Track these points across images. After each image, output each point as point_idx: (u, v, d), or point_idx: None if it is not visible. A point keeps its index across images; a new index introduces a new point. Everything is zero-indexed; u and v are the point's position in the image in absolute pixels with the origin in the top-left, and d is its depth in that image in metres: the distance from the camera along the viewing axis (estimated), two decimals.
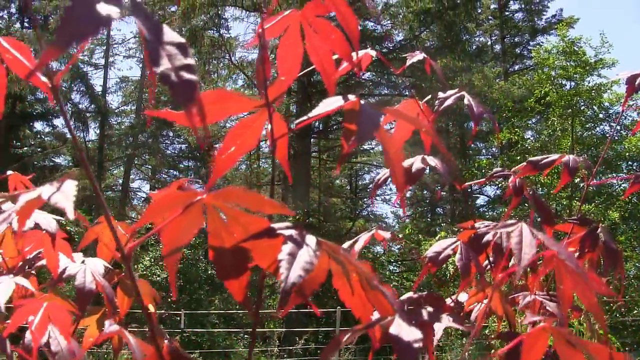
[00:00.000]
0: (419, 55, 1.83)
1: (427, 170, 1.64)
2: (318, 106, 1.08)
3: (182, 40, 0.80)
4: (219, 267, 1.01)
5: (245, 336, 21.79)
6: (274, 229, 0.93)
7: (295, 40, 1.20)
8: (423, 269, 1.56)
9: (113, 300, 1.59)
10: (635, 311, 19.78)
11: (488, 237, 1.53)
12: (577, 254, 1.70)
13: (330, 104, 1.07)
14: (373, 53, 1.76)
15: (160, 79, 0.70)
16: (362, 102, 1.05)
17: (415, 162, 1.64)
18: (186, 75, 0.73)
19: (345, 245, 1.70)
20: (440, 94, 1.72)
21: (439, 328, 1.40)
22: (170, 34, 0.81)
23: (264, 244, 0.91)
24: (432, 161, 1.64)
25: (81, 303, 1.51)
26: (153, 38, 0.77)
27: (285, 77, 1.21)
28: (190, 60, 0.76)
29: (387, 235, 1.65)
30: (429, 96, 1.78)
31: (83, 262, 1.68)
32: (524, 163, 1.75)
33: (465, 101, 1.67)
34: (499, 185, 27.97)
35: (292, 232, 0.91)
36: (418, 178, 1.61)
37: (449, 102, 1.67)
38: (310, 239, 0.90)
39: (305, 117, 1.13)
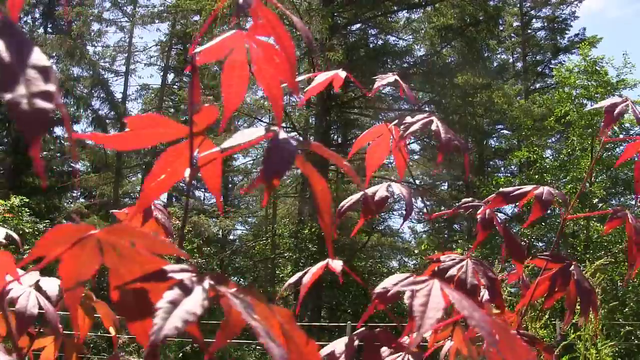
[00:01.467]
0: (389, 78, 1.76)
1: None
2: (234, 136, 1.00)
3: (47, 63, 0.73)
4: (122, 307, 0.93)
5: (258, 347, 21.71)
6: (166, 271, 0.85)
7: (241, 64, 1.12)
8: (370, 305, 1.48)
9: (56, 326, 1.52)
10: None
11: (452, 271, 1.45)
12: (547, 293, 1.62)
13: (249, 135, 0.99)
14: (343, 74, 1.69)
15: (8, 107, 0.63)
16: (282, 135, 0.96)
17: (379, 190, 1.56)
18: (40, 103, 0.65)
19: (295, 277, 1.62)
20: (408, 118, 1.64)
21: None
22: (37, 56, 0.73)
23: (160, 286, 0.83)
24: (398, 189, 1.56)
25: (20, 328, 1.44)
26: (14, 60, 0.70)
27: (230, 102, 1.14)
28: (51, 87, 0.68)
29: (338, 267, 1.57)
30: (397, 120, 1.71)
31: (38, 281, 1.62)
32: (494, 194, 1.66)
33: (433, 127, 1.59)
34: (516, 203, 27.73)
35: (186, 276, 0.83)
36: (381, 207, 1.53)
37: (415, 127, 1.59)
38: (206, 284, 0.82)
39: (218, 149, 1.05)
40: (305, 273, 1.63)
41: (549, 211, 24.71)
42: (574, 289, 1.60)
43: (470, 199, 1.72)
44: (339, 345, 1.58)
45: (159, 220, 1.87)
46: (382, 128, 1.72)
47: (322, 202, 1.03)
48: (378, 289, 1.41)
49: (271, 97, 1.12)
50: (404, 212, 1.56)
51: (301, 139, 1.00)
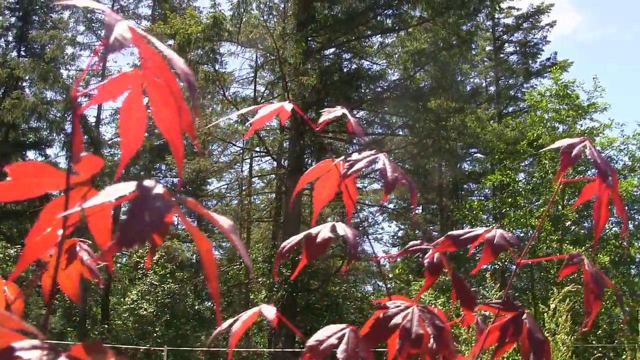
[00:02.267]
0: (337, 111, 1.70)
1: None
2: (101, 193, 0.90)
3: None
4: None
5: None
6: (14, 348, 0.77)
7: (138, 106, 1.04)
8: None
9: None
10: (623, 356, 19.61)
11: (397, 319, 1.39)
12: (497, 344, 1.56)
13: (115, 191, 0.90)
14: (289, 107, 1.64)
15: None
16: (155, 190, 0.89)
17: (322, 231, 1.51)
18: None
19: (225, 324, 1.55)
20: (355, 155, 1.59)
21: None
22: None
23: None
24: (342, 230, 1.50)
25: None
26: None
27: (128, 147, 1.05)
28: None
29: (271, 314, 1.51)
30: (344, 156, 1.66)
31: None
32: (443, 237, 1.61)
33: (379, 165, 1.54)
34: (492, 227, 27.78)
35: (35, 355, 0.75)
36: (325, 249, 1.47)
37: (360, 165, 1.54)
38: None
39: (78, 208, 0.96)
40: (236, 320, 1.57)
41: (530, 233, 24.78)
42: (527, 342, 1.54)
43: (418, 241, 1.66)
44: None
45: (84, 262, 1.80)
46: (328, 164, 1.66)
47: (207, 264, 0.97)
48: (311, 340, 1.35)
49: (170, 142, 1.04)
50: (377, 237, 1.52)
51: (180, 196, 0.92)
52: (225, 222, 0.96)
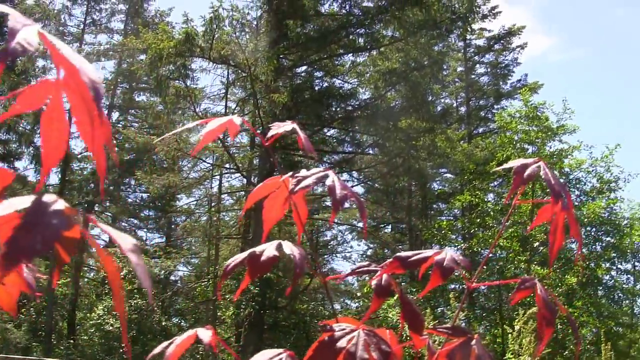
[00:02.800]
0: (287, 126, 1.68)
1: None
2: None
3: None
4: None
5: None
6: None
7: (59, 115, 1.00)
8: None
9: None
10: None
11: (342, 343, 1.36)
12: None
13: (10, 205, 0.86)
14: (238, 120, 1.61)
15: None
16: (54, 206, 0.85)
17: (267, 249, 1.48)
18: None
19: (159, 348, 1.53)
20: (303, 172, 1.56)
21: None
22: None
23: None
24: (289, 249, 1.48)
25: None
26: None
27: (49, 158, 1.01)
28: None
29: (206, 338, 1.49)
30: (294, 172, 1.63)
31: None
32: (391, 259, 1.58)
33: (328, 182, 1.51)
34: (459, 246, 27.98)
35: None
36: (268, 267, 1.44)
37: (308, 182, 1.51)
38: None
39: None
40: (171, 343, 1.55)
41: (500, 254, 24.89)
42: None
43: (366, 262, 1.63)
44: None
45: (20, 274, 1.75)
46: (277, 181, 1.63)
47: (114, 286, 0.94)
48: None
49: (94, 154, 1.00)
50: (346, 256, 1.50)
51: (80, 212, 0.89)
52: (125, 241, 0.93)
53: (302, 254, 1.46)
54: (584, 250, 25.80)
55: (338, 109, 25.68)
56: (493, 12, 34.73)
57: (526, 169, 1.63)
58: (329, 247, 36.02)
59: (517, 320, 6.71)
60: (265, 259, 1.46)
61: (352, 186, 30.20)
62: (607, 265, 26.14)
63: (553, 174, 1.65)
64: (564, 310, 1.71)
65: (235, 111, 28.49)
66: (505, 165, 1.71)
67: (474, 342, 1.52)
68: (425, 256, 1.55)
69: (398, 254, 1.56)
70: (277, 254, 1.47)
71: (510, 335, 6.79)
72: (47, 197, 0.85)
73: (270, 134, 1.67)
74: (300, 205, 1.64)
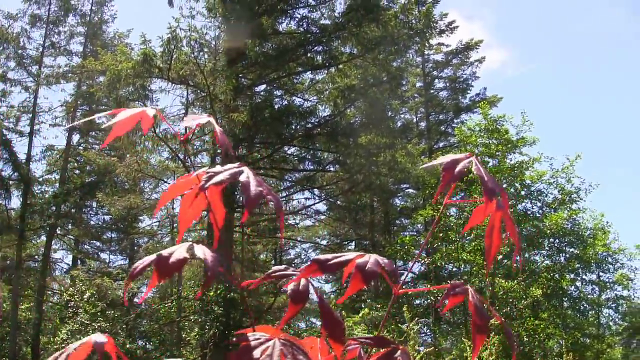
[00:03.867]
0: (202, 119, 1.63)
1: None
2: None
3: None
4: None
5: None
6: None
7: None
8: None
9: None
10: None
11: (256, 353, 1.31)
12: None
13: None
14: (152, 112, 1.56)
15: None
16: None
17: (177, 251, 1.42)
18: None
19: (50, 358, 1.46)
20: (217, 167, 1.51)
21: None
22: None
23: None
24: (200, 251, 1.43)
25: None
26: None
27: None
28: None
29: (101, 342, 1.43)
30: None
31: None
32: (310, 262, 1.52)
33: (242, 178, 1.46)
34: (423, 262, 27.98)
35: None
36: (178, 269, 1.38)
37: (221, 177, 1.46)
38: None
39: None
40: (62, 354, 1.48)
41: (464, 268, 24.90)
42: None
43: (283, 266, 1.57)
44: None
45: None
46: (192, 179, 1.57)
47: None
48: None
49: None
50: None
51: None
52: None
53: (214, 258, 1.41)
54: (547, 262, 25.93)
55: (298, 127, 25.62)
56: (450, 27, 34.98)
57: (457, 164, 1.57)
58: (293, 264, 35.87)
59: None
60: (175, 261, 1.40)
61: (314, 203, 30.22)
62: (572, 276, 26.26)
63: (486, 170, 1.59)
64: (498, 317, 1.67)
65: (196, 131, 28.35)
66: (435, 162, 1.66)
67: (398, 352, 1.47)
68: (346, 259, 1.49)
69: (316, 256, 1.50)
70: (187, 255, 1.41)
71: (468, 347, 6.77)
72: None
73: (185, 124, 1.62)
74: (216, 205, 1.59)
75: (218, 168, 1.50)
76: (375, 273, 1.46)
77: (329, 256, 1.50)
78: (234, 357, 1.32)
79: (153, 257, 1.45)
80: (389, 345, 1.49)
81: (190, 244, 1.47)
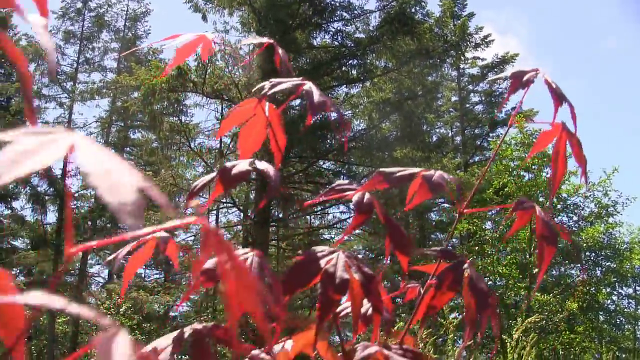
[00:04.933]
0: (261, 39, 1.60)
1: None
2: None
3: None
4: None
5: None
6: None
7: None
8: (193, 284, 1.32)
9: None
10: None
11: (321, 263, 1.26)
12: (433, 295, 1.43)
13: None
14: (211, 36, 1.54)
15: None
16: None
17: (240, 164, 1.39)
18: None
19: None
20: (278, 79, 1.48)
21: None
22: None
23: None
24: (263, 165, 1.39)
25: None
26: None
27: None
28: None
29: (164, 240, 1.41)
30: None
31: None
32: (375, 173, 1.49)
33: (306, 87, 1.43)
34: None
35: None
36: (240, 180, 1.35)
37: (284, 86, 1.43)
38: None
39: None
40: (121, 251, 1.46)
41: (499, 282, 24.74)
42: (469, 295, 1.41)
43: (347, 180, 1.56)
44: (164, 340, 1.42)
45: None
46: (252, 103, 1.54)
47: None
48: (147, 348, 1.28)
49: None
50: None
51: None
52: None
53: (276, 173, 1.37)
54: (584, 275, 25.69)
55: (333, 141, 25.60)
56: (485, 40, 34.88)
57: (525, 74, 1.57)
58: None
59: (515, 328, 6.60)
60: (237, 172, 1.37)
61: (349, 217, 30.14)
62: (608, 290, 25.98)
63: (554, 82, 1.58)
64: (565, 234, 1.61)
65: (230, 146, 28.46)
66: (501, 75, 1.66)
67: (466, 265, 1.43)
68: (411, 172, 1.47)
69: (382, 168, 1.47)
70: (250, 168, 1.38)
71: (508, 344, 6.67)
72: None
73: (245, 42, 1.60)
74: (277, 129, 1.56)
75: (280, 79, 1.48)
76: (442, 185, 1.43)
77: (394, 169, 1.47)
78: (298, 266, 1.27)
79: (214, 174, 1.42)
80: (456, 258, 1.45)
81: (253, 159, 1.44)
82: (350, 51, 24.46)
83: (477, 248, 24.84)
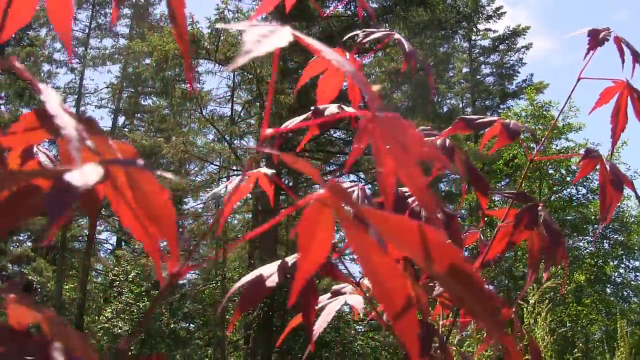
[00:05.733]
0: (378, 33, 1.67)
1: None
2: None
3: None
4: None
5: None
6: None
7: None
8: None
9: None
10: None
11: (409, 201, 1.36)
12: (511, 233, 1.53)
13: None
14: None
15: None
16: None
17: (330, 107, 1.47)
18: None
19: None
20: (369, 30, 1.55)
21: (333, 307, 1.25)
22: None
23: None
24: (349, 109, 1.47)
25: None
26: None
27: None
28: None
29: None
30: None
31: None
32: (457, 119, 1.58)
33: (396, 36, 1.51)
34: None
35: None
36: (332, 122, 1.45)
37: (376, 36, 1.51)
38: None
39: None
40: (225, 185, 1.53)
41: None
42: (537, 239, 1.51)
43: (429, 127, 1.64)
44: (268, 268, 1.50)
45: (42, 164, 1.79)
46: (337, 53, 1.59)
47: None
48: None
49: None
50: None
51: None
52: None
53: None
54: (591, 248, 25.78)
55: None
56: (497, 12, 34.68)
57: (599, 33, 1.64)
58: (337, 249, 35.89)
59: (532, 294, 6.71)
60: (329, 115, 1.45)
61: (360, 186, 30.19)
62: (616, 262, 26.05)
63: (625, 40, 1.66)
64: (629, 184, 1.69)
65: (242, 114, 28.47)
66: (575, 32, 1.73)
67: (540, 207, 1.51)
68: (490, 120, 1.56)
69: (464, 115, 1.55)
70: (339, 111, 1.46)
71: (525, 309, 6.78)
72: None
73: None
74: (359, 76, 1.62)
75: (372, 29, 1.56)
76: (518, 131, 1.52)
77: (474, 117, 1.55)
78: (397, 199, 1.37)
79: (304, 116, 1.50)
80: (531, 200, 1.53)
81: (340, 104, 1.52)
82: (363, 21, 24.44)
83: (486, 219, 24.90)
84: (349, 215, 0.69)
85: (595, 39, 1.63)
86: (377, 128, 0.73)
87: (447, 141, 1.54)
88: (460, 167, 1.54)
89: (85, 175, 0.62)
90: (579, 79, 1.78)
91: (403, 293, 0.68)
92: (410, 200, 1.36)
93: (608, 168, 1.57)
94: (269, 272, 1.48)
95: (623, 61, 1.61)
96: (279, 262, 1.49)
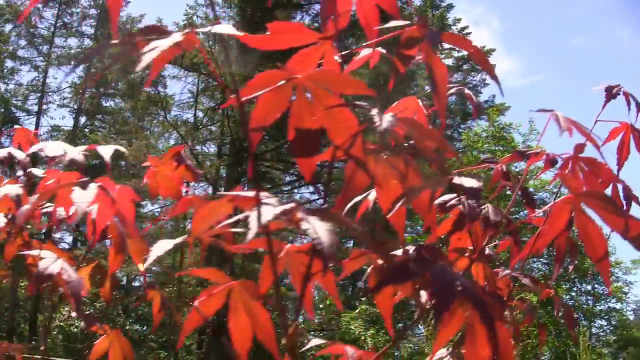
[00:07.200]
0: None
1: None
2: None
3: None
4: (296, 146, 1.32)
5: None
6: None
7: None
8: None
9: None
10: None
11: (452, 202, 1.63)
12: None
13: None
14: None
15: None
16: None
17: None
18: None
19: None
20: None
21: None
22: None
23: (340, 125, 1.23)
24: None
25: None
26: None
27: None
28: None
29: None
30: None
31: None
32: (512, 152, 1.91)
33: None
34: None
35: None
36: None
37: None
38: None
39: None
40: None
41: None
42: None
43: (489, 156, 1.91)
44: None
45: (189, 167, 2.12)
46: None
47: None
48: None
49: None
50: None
51: None
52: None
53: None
54: (545, 271, 26.20)
55: None
56: (462, 32, 35.13)
57: (612, 89, 1.91)
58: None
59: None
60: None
61: (318, 198, 30.41)
62: (568, 285, 26.47)
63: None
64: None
65: (204, 121, 28.57)
66: (595, 88, 1.98)
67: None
68: (538, 151, 1.81)
69: (517, 148, 1.82)
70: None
71: None
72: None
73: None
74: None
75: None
76: (556, 160, 1.77)
77: (525, 149, 1.80)
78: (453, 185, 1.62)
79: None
80: None
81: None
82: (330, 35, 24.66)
83: (443, 236, 25.20)
84: None
85: (610, 93, 1.94)
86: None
87: (504, 167, 1.89)
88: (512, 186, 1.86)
89: None
90: (596, 122, 2.08)
91: None
92: (454, 201, 1.63)
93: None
94: None
95: (629, 109, 1.96)
96: None
